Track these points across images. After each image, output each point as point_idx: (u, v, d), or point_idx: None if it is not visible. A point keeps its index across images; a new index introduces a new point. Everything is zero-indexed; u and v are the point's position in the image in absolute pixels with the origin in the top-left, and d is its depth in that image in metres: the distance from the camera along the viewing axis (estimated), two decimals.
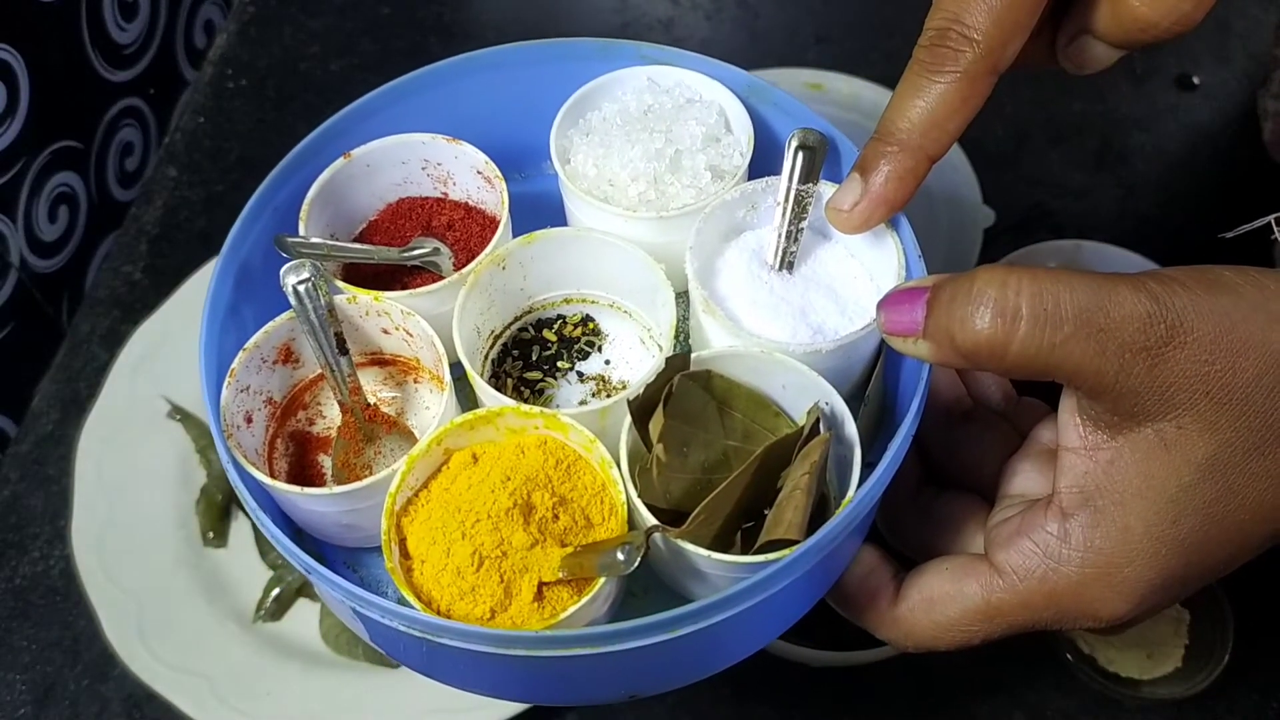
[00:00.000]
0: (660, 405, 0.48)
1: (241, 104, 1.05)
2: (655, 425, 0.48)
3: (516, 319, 0.58)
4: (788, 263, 0.54)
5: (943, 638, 0.48)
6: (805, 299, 0.53)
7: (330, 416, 0.57)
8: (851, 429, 0.49)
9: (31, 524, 0.83)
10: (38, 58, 0.85)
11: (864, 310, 0.53)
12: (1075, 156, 1.00)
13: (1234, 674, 0.72)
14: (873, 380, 0.53)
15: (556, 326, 0.58)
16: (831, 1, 1.11)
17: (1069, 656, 0.71)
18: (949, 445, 0.53)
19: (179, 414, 0.83)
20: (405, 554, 0.48)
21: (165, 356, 0.85)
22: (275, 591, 0.77)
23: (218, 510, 0.80)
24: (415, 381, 0.57)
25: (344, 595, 0.45)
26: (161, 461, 0.82)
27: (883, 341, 0.47)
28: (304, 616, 0.77)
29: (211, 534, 0.80)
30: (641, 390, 0.49)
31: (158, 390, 0.84)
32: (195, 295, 0.87)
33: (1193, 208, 0.97)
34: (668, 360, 0.49)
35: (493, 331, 0.57)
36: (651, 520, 0.47)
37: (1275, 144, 0.97)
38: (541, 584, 0.47)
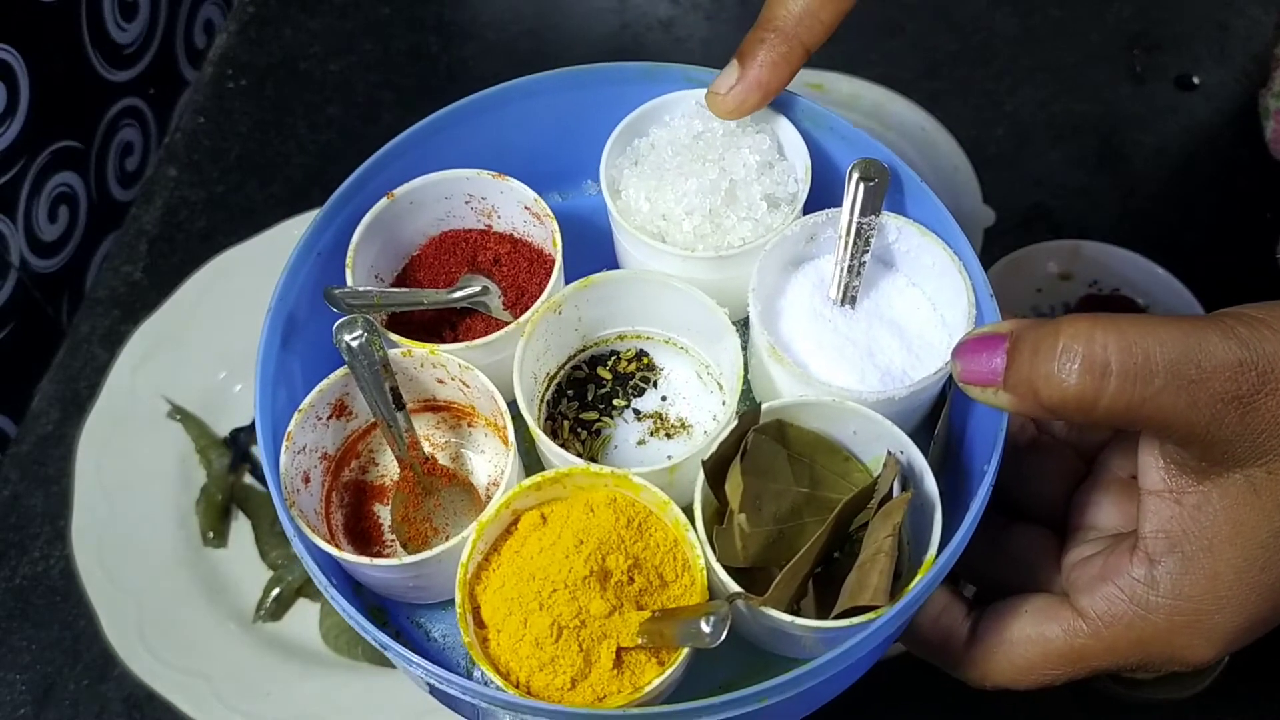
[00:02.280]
0: (737, 465, 0.48)
1: (241, 104, 1.05)
2: (734, 489, 0.48)
3: (570, 358, 0.57)
4: (850, 297, 0.53)
5: (1022, 680, 0.48)
6: (871, 337, 0.53)
7: (383, 464, 0.56)
8: (931, 484, 0.49)
9: (31, 524, 0.83)
10: (38, 58, 0.85)
11: (930, 346, 0.53)
12: (1075, 156, 1.00)
13: (1234, 674, 0.72)
14: (941, 419, 0.52)
15: (610, 363, 0.57)
16: None
17: None
18: (1015, 474, 0.52)
19: (179, 414, 0.83)
20: (480, 623, 0.48)
21: (165, 356, 0.85)
22: (275, 591, 0.77)
23: (218, 510, 0.80)
24: (470, 425, 0.56)
25: (424, 673, 0.45)
26: (161, 461, 0.82)
27: (950, 378, 0.47)
28: (304, 616, 0.77)
29: (211, 534, 0.80)
30: (714, 448, 0.48)
31: (158, 390, 0.84)
32: (195, 295, 0.87)
33: (1193, 208, 0.97)
34: (740, 416, 0.49)
35: (548, 374, 0.56)
36: (733, 586, 0.47)
37: (1277, 143, 0.97)
38: (620, 649, 0.47)
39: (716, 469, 0.48)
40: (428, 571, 0.50)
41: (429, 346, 0.52)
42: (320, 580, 0.47)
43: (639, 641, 0.47)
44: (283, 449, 0.50)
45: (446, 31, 1.09)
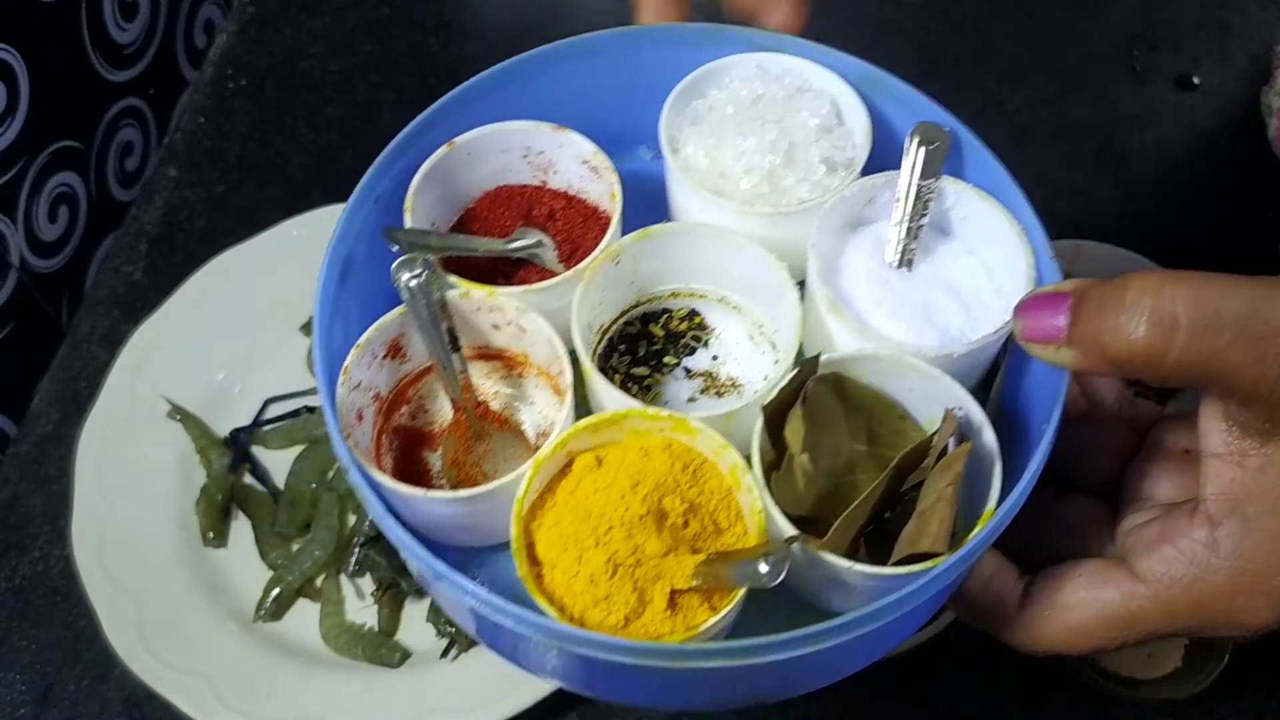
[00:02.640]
0: (799, 409, 0.48)
1: (241, 104, 1.05)
2: (795, 432, 0.48)
3: (623, 313, 0.57)
4: (907, 260, 0.53)
5: (1076, 643, 0.48)
6: (928, 298, 0.53)
7: (431, 410, 0.56)
8: (990, 437, 0.48)
9: (31, 524, 0.83)
10: (38, 58, 0.85)
11: (987, 309, 0.52)
12: (1075, 156, 1.00)
13: (1234, 674, 0.72)
14: (996, 383, 0.52)
15: (662, 321, 0.57)
16: (832, 1, 1.10)
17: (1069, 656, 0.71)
18: (1065, 445, 0.52)
19: (179, 414, 0.83)
20: (533, 559, 0.48)
21: (165, 356, 0.85)
22: (275, 591, 0.77)
23: (218, 510, 0.80)
24: (520, 376, 0.56)
25: (477, 602, 0.44)
26: (161, 461, 0.82)
27: (1006, 343, 0.46)
28: (304, 616, 0.77)
29: (211, 534, 0.80)
30: (774, 395, 0.48)
31: (158, 390, 0.84)
32: (195, 295, 0.87)
33: (1193, 208, 0.97)
34: (800, 365, 0.49)
35: (601, 326, 0.56)
36: (790, 529, 0.46)
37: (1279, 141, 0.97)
38: (674, 591, 0.47)
39: (776, 415, 0.48)
40: (480, 509, 0.50)
41: (487, 288, 0.52)
42: (376, 509, 0.47)
43: (694, 583, 0.46)
44: (339, 382, 0.50)
45: (446, 31, 1.09)
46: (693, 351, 0.57)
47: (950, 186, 0.53)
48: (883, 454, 0.50)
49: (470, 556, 0.54)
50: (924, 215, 0.52)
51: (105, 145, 0.95)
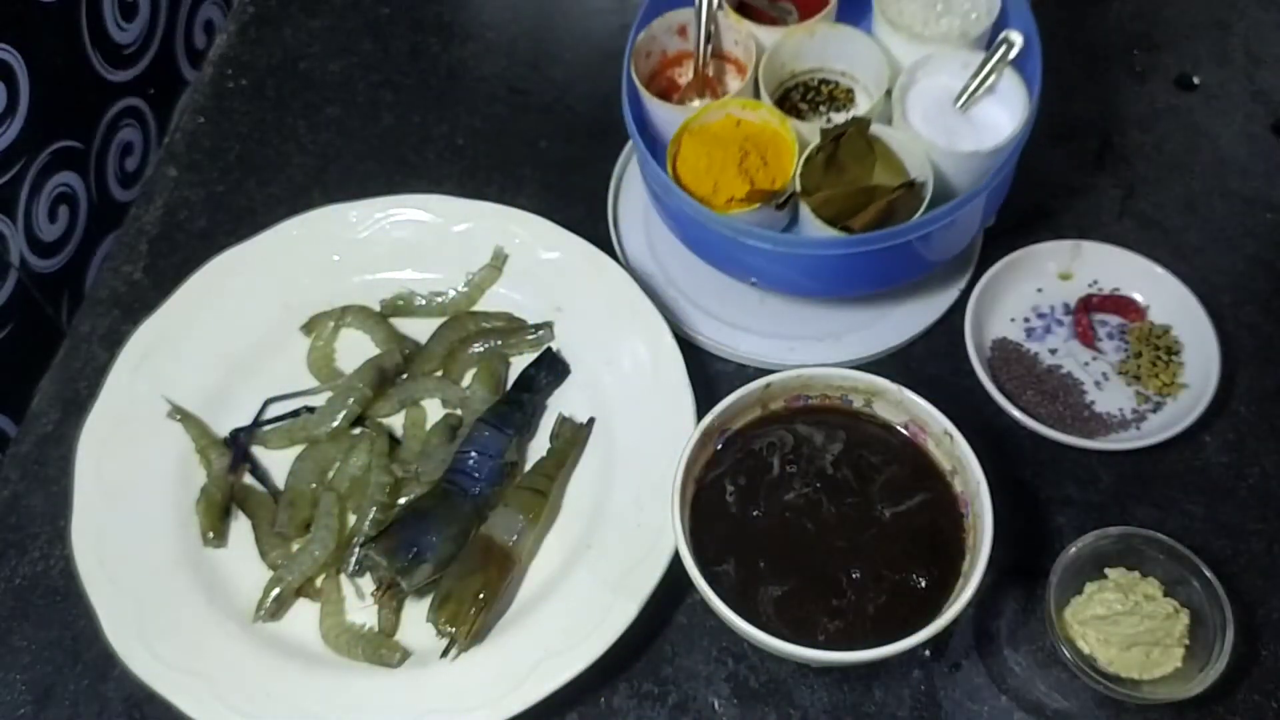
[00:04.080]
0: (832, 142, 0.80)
1: (241, 104, 1.05)
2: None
3: (808, 70, 0.88)
4: (966, 105, 0.81)
5: None
6: (955, 127, 0.81)
7: (681, 80, 0.91)
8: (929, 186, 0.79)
9: (31, 524, 0.83)
10: (38, 58, 0.85)
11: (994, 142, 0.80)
12: (1075, 156, 1.00)
13: (1234, 674, 0.72)
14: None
15: (830, 89, 0.89)
16: None
17: (1069, 656, 0.71)
18: None
19: (179, 414, 0.83)
20: (678, 155, 0.83)
21: (165, 356, 0.85)
22: (275, 591, 0.77)
23: (218, 510, 0.80)
24: (733, 71, 0.90)
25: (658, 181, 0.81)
26: (161, 461, 0.82)
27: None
28: (304, 616, 0.77)
29: (211, 534, 0.80)
30: (832, 127, 0.80)
31: (158, 390, 0.84)
32: (195, 295, 0.87)
33: (1193, 208, 0.97)
34: (855, 119, 0.80)
35: (792, 71, 0.88)
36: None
37: None
38: (731, 199, 0.80)
39: (826, 135, 0.81)
40: (675, 120, 0.84)
41: (742, 20, 0.86)
42: (629, 114, 0.84)
43: (744, 198, 0.80)
44: (653, 21, 0.87)
45: (446, 31, 1.09)
46: (839, 111, 0.88)
47: (1010, 72, 0.81)
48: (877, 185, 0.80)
49: None
50: (987, 85, 0.81)
51: (105, 145, 0.96)
